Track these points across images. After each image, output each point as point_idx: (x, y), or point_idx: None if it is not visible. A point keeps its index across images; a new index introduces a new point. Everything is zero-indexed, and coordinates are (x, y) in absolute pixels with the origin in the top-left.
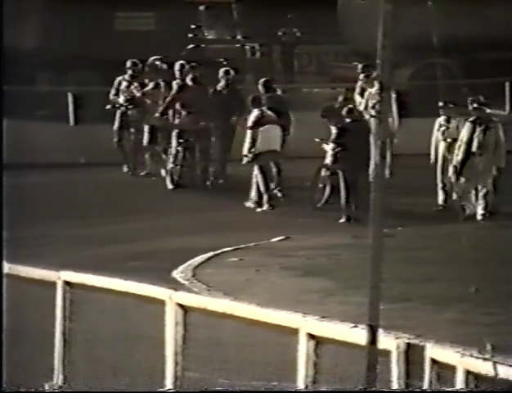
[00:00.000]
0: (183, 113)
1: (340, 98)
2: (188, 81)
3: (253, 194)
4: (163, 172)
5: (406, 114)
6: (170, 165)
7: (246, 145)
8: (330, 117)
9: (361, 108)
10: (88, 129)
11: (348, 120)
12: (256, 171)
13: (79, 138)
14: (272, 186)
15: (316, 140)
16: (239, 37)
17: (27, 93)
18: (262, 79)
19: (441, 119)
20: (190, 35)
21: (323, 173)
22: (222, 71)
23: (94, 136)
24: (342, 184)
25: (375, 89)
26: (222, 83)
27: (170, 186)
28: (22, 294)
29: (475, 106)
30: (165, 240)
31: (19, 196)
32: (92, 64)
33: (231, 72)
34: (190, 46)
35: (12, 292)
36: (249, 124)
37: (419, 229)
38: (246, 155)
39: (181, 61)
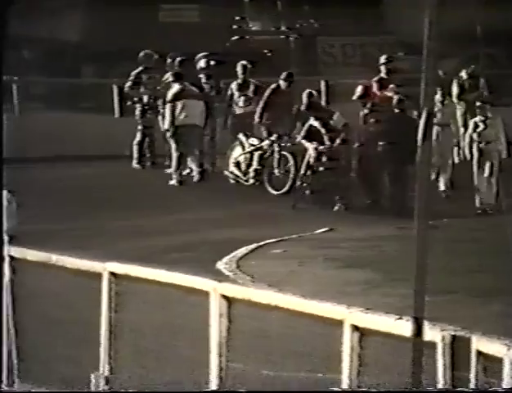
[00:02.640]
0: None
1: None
2: (282, 85)
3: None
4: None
5: None
6: (276, 171)
7: (167, 119)
8: (313, 113)
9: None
10: (132, 122)
11: (396, 111)
12: (173, 146)
13: (123, 130)
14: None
15: (301, 140)
16: (283, 28)
17: (72, 86)
18: (179, 58)
19: (477, 120)
20: (234, 27)
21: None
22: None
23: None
24: (389, 178)
25: (438, 96)
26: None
27: (273, 192)
28: (68, 285)
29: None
30: (208, 232)
31: (64, 187)
32: (136, 56)
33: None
34: (235, 37)
35: (59, 283)
36: (169, 97)
37: (464, 221)
38: (168, 130)
39: (243, 62)
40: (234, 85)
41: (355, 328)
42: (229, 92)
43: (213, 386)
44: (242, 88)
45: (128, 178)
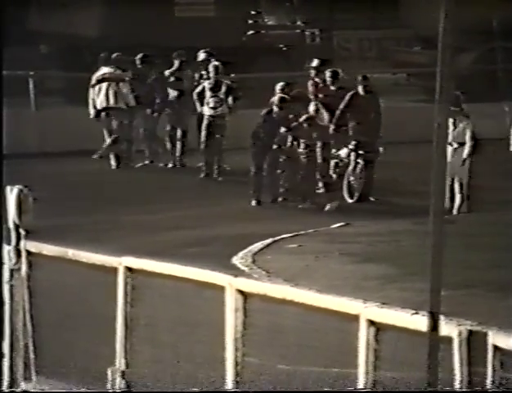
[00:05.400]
0: (352, 124)
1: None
2: (360, 90)
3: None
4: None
5: (471, 99)
6: (351, 178)
7: (89, 103)
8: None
9: None
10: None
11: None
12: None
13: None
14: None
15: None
16: (299, 22)
17: (89, 80)
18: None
19: None
20: (250, 21)
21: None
22: None
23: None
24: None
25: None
26: None
27: (349, 200)
28: (84, 279)
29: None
30: (224, 226)
31: (80, 182)
32: (153, 51)
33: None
34: (251, 32)
35: (74, 278)
36: (92, 82)
37: (480, 215)
38: (94, 114)
39: (215, 63)
40: (206, 84)
41: (371, 323)
42: (199, 89)
43: (229, 380)
44: (214, 88)
45: (144, 172)
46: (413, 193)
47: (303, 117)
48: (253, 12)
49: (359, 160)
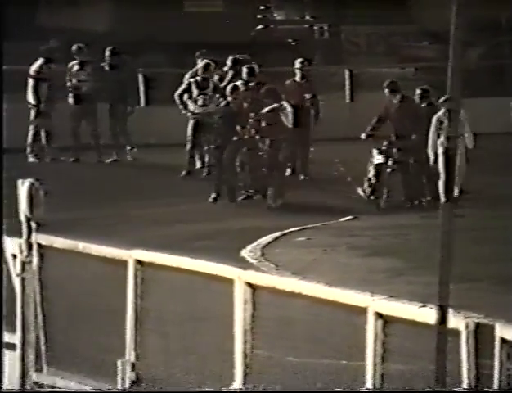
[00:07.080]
0: (391, 130)
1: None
2: (388, 98)
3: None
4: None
5: (478, 93)
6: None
7: None
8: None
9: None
10: (159, 111)
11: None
12: None
13: (150, 119)
14: None
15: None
16: (307, 17)
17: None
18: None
19: (441, 115)
20: (259, 16)
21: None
22: None
23: (164, 117)
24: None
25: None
26: None
27: (382, 206)
28: (95, 272)
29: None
30: (232, 220)
31: (90, 177)
32: (162, 46)
33: None
34: (259, 27)
35: (85, 271)
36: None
37: (489, 209)
38: None
39: (206, 60)
40: (192, 82)
41: (379, 316)
42: (183, 88)
43: (238, 372)
44: (201, 86)
45: (155, 167)
46: None
47: (264, 111)
48: (262, 7)
49: (395, 166)
